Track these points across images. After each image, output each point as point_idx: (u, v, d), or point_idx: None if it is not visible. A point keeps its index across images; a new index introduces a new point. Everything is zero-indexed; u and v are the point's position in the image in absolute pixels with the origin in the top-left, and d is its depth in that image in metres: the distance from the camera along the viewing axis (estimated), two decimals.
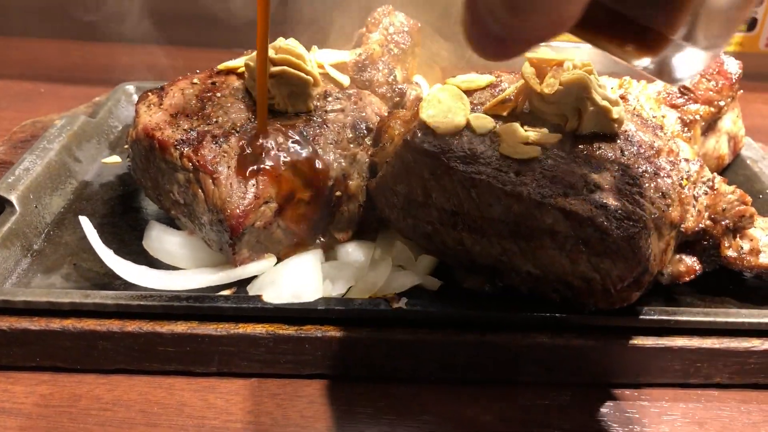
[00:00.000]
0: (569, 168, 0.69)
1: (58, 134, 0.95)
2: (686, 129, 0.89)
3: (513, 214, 0.68)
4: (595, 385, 0.72)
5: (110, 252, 0.75)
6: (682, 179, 0.73)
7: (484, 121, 0.73)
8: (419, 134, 0.72)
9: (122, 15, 1.25)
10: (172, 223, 0.82)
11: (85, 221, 0.76)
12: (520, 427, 0.67)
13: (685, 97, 0.90)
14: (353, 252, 0.78)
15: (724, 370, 0.71)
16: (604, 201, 0.66)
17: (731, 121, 0.96)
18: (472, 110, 0.75)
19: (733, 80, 0.91)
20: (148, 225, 0.82)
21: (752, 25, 1.47)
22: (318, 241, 0.78)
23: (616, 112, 0.73)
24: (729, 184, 0.78)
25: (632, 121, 0.78)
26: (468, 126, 0.73)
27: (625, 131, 0.76)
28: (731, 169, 1.00)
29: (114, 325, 0.68)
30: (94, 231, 0.76)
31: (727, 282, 0.80)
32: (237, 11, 1.13)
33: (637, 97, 0.87)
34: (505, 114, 0.75)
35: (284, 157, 0.74)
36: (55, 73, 1.47)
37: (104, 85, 1.24)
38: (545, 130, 0.73)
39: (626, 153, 0.72)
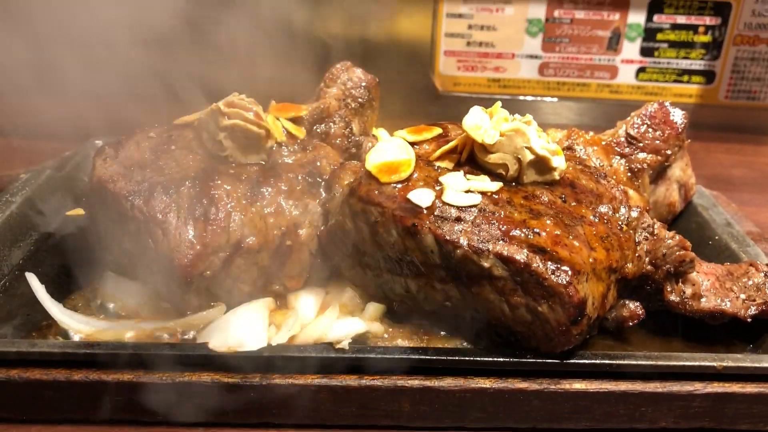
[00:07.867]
0: (509, 215, 0.71)
1: (22, 188, 0.97)
2: (634, 178, 0.91)
3: (454, 260, 0.69)
4: (539, 430, 0.72)
5: (59, 306, 0.76)
6: (621, 225, 0.75)
7: (427, 171, 0.76)
8: (363, 183, 0.74)
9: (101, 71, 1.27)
10: (128, 274, 0.83)
11: (31, 277, 0.78)
12: None
13: (633, 146, 0.92)
14: (304, 299, 0.79)
15: (669, 414, 0.72)
16: (542, 246, 0.68)
17: (680, 170, 0.98)
18: (418, 160, 0.77)
19: (679, 129, 0.94)
20: (104, 276, 0.83)
21: (711, 78, 1.52)
22: (269, 288, 0.79)
23: (555, 161, 0.76)
24: (681, 230, 0.79)
25: (575, 169, 0.81)
26: (412, 176, 0.75)
27: (567, 179, 0.78)
28: (684, 216, 1.02)
29: (60, 375, 0.69)
30: (42, 286, 0.77)
31: (676, 320, 0.81)
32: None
33: (584, 147, 0.90)
34: (449, 163, 0.77)
35: (234, 206, 0.76)
36: (31, 128, 1.49)
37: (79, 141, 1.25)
38: (486, 179, 0.75)
39: (566, 200, 0.75)
